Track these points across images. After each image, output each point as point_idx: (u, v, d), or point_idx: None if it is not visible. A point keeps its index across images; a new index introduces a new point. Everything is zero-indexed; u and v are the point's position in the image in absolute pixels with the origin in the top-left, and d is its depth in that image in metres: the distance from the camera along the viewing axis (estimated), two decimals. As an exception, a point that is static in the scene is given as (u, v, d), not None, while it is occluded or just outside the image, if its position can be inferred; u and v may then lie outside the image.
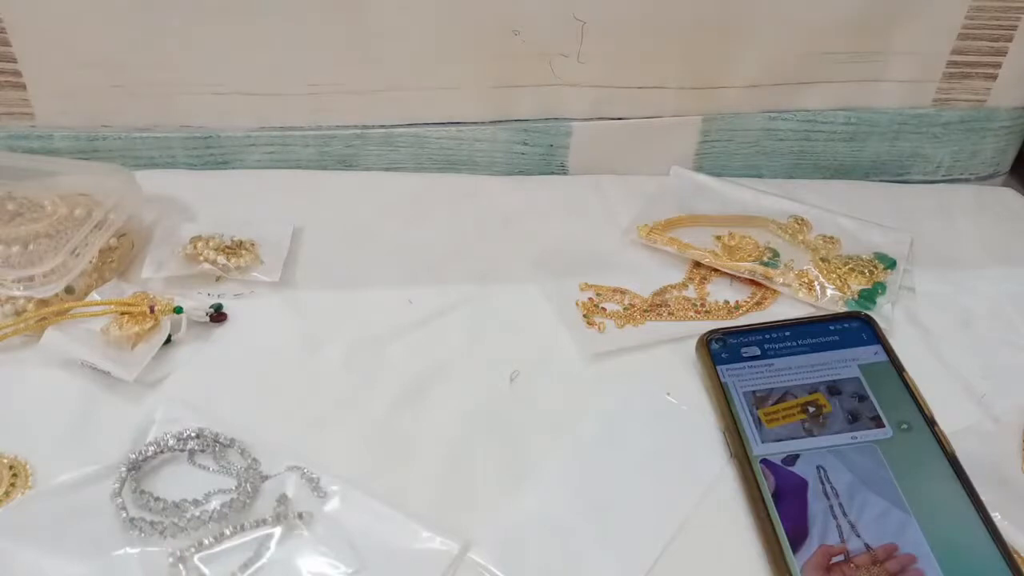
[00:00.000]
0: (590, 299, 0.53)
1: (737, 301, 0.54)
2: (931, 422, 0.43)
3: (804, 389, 0.45)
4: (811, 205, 0.61)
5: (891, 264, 0.55)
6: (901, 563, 0.37)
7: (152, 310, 0.48)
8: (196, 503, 0.40)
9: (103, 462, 0.41)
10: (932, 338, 0.51)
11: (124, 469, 0.40)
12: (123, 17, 0.56)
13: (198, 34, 0.57)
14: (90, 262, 0.50)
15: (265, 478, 0.41)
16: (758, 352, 0.47)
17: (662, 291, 0.54)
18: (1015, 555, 0.37)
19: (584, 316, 0.52)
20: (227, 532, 0.38)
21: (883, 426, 0.43)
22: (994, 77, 0.62)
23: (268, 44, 0.58)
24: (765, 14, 0.58)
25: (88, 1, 0.55)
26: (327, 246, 0.57)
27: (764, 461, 0.42)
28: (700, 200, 0.62)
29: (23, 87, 0.59)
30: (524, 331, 0.51)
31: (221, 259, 0.52)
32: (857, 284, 0.54)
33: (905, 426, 0.43)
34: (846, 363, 0.46)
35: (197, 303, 0.50)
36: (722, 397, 0.45)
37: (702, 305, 0.53)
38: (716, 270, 0.55)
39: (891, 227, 0.59)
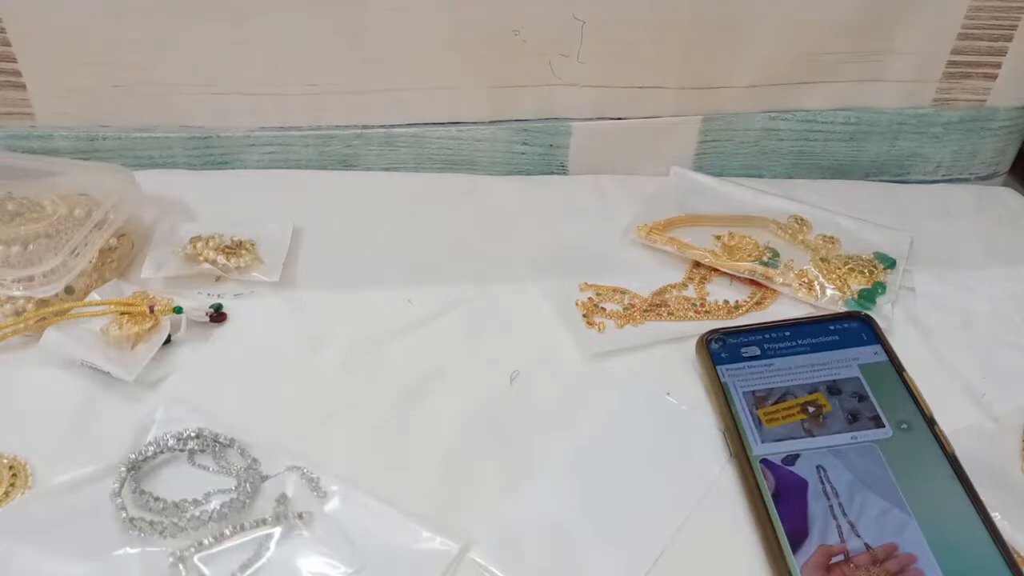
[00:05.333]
0: (590, 299, 0.53)
1: (737, 301, 0.54)
2: (931, 422, 0.43)
3: (804, 389, 0.45)
4: (811, 205, 0.61)
5: (891, 264, 0.55)
6: (901, 563, 0.37)
7: (152, 310, 0.48)
8: (196, 503, 0.40)
9: (103, 462, 0.41)
10: (932, 338, 0.51)
11: (124, 469, 0.40)
12: (123, 17, 0.56)
13: (197, 34, 0.57)
14: (90, 262, 0.50)
15: (265, 478, 0.41)
16: (758, 352, 0.47)
17: (662, 291, 0.54)
18: (1015, 555, 0.37)
19: (584, 316, 0.52)
20: (227, 532, 0.38)
21: (883, 426, 0.43)
22: (994, 77, 0.62)
23: (268, 44, 0.58)
24: (765, 14, 0.58)
25: (88, 1, 0.55)
26: (327, 246, 0.57)
27: (764, 461, 0.42)
28: (700, 200, 0.62)
29: (23, 87, 0.59)
30: (524, 331, 0.51)
31: (221, 259, 0.52)
32: (857, 284, 0.54)
33: (905, 426, 0.43)
34: (846, 363, 0.46)
35: (197, 303, 0.50)
36: (722, 397, 0.45)
37: (702, 305, 0.53)
38: (716, 270, 0.55)
39: (891, 227, 0.59)
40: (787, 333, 0.48)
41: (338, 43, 0.58)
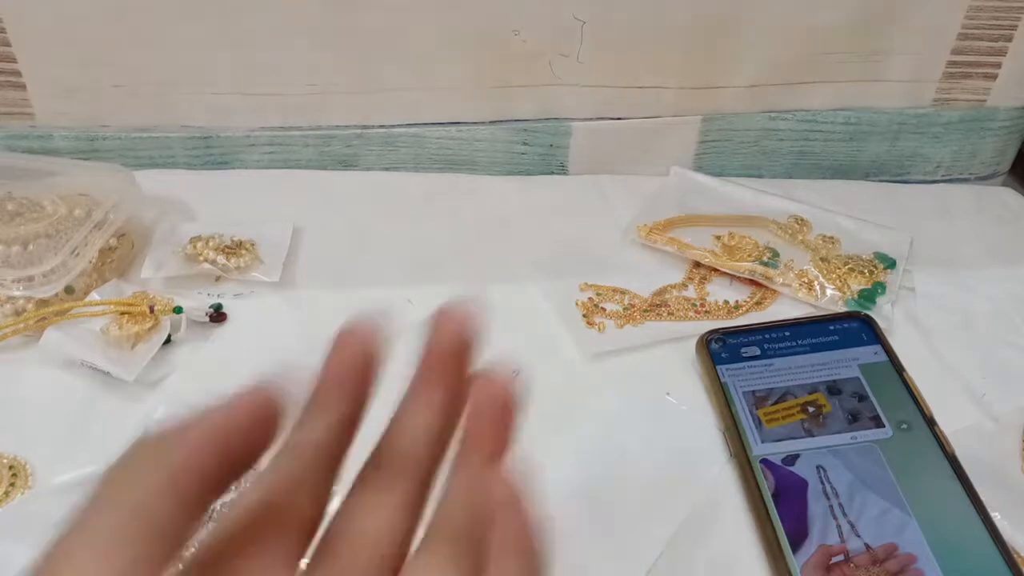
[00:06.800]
0: (590, 299, 0.53)
1: (737, 301, 0.54)
2: (931, 422, 0.43)
3: (804, 389, 0.45)
4: (811, 205, 0.61)
5: (891, 264, 0.55)
6: (901, 563, 0.37)
7: (152, 310, 0.48)
8: (196, 503, 0.40)
9: (103, 462, 0.41)
10: (932, 338, 0.51)
11: (124, 469, 0.40)
12: (123, 17, 0.56)
13: (198, 34, 0.57)
14: (90, 262, 0.50)
15: (265, 478, 0.41)
16: (758, 352, 0.47)
17: (662, 291, 0.54)
18: (1015, 555, 0.37)
19: (584, 316, 0.52)
20: (227, 532, 0.38)
21: (883, 426, 0.43)
22: (994, 77, 0.62)
23: (268, 44, 0.58)
24: (765, 14, 0.58)
25: (88, 1, 0.55)
26: (327, 246, 0.57)
27: (764, 461, 0.42)
28: (700, 200, 0.62)
29: (23, 87, 0.59)
30: (524, 331, 0.51)
31: (221, 259, 0.52)
32: (857, 284, 0.54)
33: (905, 426, 0.43)
34: (846, 363, 0.46)
35: (197, 303, 0.50)
36: (722, 397, 0.45)
37: (702, 305, 0.53)
38: (716, 270, 0.55)
39: (891, 227, 0.59)
40: (787, 333, 0.48)
41: (338, 43, 0.58)
